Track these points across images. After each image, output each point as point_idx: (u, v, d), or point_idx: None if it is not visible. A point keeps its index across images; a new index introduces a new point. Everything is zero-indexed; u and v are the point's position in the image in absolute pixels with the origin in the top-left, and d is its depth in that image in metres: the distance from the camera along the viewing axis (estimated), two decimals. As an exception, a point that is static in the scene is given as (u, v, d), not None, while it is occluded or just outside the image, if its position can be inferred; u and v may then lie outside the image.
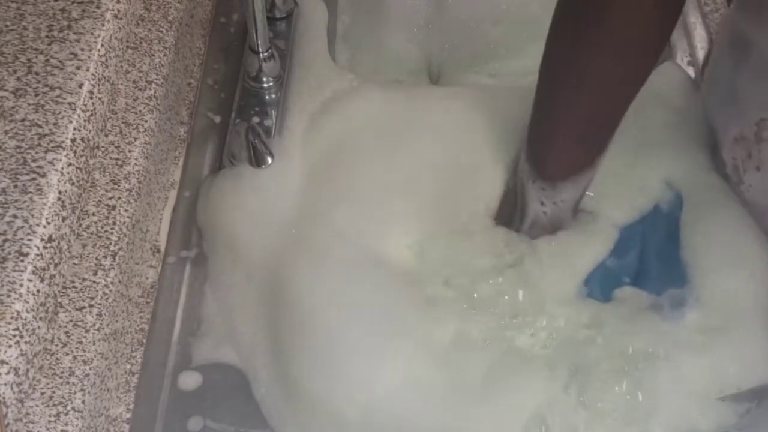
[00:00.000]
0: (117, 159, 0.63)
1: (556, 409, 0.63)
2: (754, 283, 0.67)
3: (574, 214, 0.71)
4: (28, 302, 0.46)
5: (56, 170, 0.50)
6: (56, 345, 0.55)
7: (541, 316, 0.67)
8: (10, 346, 0.45)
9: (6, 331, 0.45)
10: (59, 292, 0.51)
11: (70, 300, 0.57)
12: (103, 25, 0.56)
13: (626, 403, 0.63)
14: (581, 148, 0.65)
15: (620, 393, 0.63)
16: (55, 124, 0.51)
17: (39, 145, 0.51)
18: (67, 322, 0.56)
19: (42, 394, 0.53)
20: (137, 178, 0.63)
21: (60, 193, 0.50)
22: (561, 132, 0.65)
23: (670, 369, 0.64)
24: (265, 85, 0.79)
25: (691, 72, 0.84)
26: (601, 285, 0.70)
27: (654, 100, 0.79)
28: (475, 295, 0.68)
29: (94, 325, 0.56)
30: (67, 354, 0.55)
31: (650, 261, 0.71)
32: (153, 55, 0.69)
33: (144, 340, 0.66)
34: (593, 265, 0.70)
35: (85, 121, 0.53)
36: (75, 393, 0.54)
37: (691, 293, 0.67)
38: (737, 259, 0.68)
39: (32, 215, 0.48)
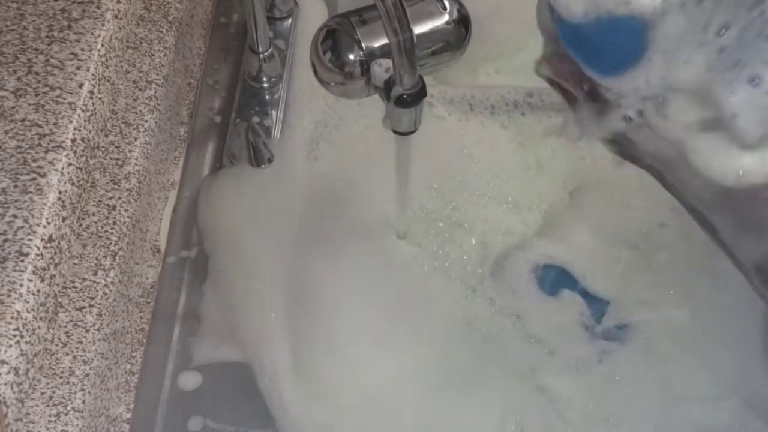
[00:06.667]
0: (117, 159, 0.63)
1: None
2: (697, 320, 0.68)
3: None
4: (28, 302, 0.46)
5: (56, 170, 0.50)
6: (56, 345, 0.55)
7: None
8: (10, 346, 0.45)
9: (6, 331, 0.45)
10: (59, 292, 0.51)
11: (70, 300, 0.57)
12: (103, 25, 0.56)
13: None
14: None
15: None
16: (55, 124, 0.51)
17: (39, 145, 0.50)
18: (67, 322, 0.56)
19: (42, 394, 0.53)
20: (137, 178, 0.63)
21: (60, 193, 0.50)
22: None
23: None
24: (265, 84, 0.79)
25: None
26: (555, 279, 0.70)
27: None
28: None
29: (94, 325, 0.56)
30: (67, 354, 0.55)
31: None
32: (153, 55, 0.69)
33: (144, 340, 0.66)
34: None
35: (85, 121, 0.53)
36: (75, 393, 0.54)
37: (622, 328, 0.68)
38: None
39: (32, 215, 0.48)
